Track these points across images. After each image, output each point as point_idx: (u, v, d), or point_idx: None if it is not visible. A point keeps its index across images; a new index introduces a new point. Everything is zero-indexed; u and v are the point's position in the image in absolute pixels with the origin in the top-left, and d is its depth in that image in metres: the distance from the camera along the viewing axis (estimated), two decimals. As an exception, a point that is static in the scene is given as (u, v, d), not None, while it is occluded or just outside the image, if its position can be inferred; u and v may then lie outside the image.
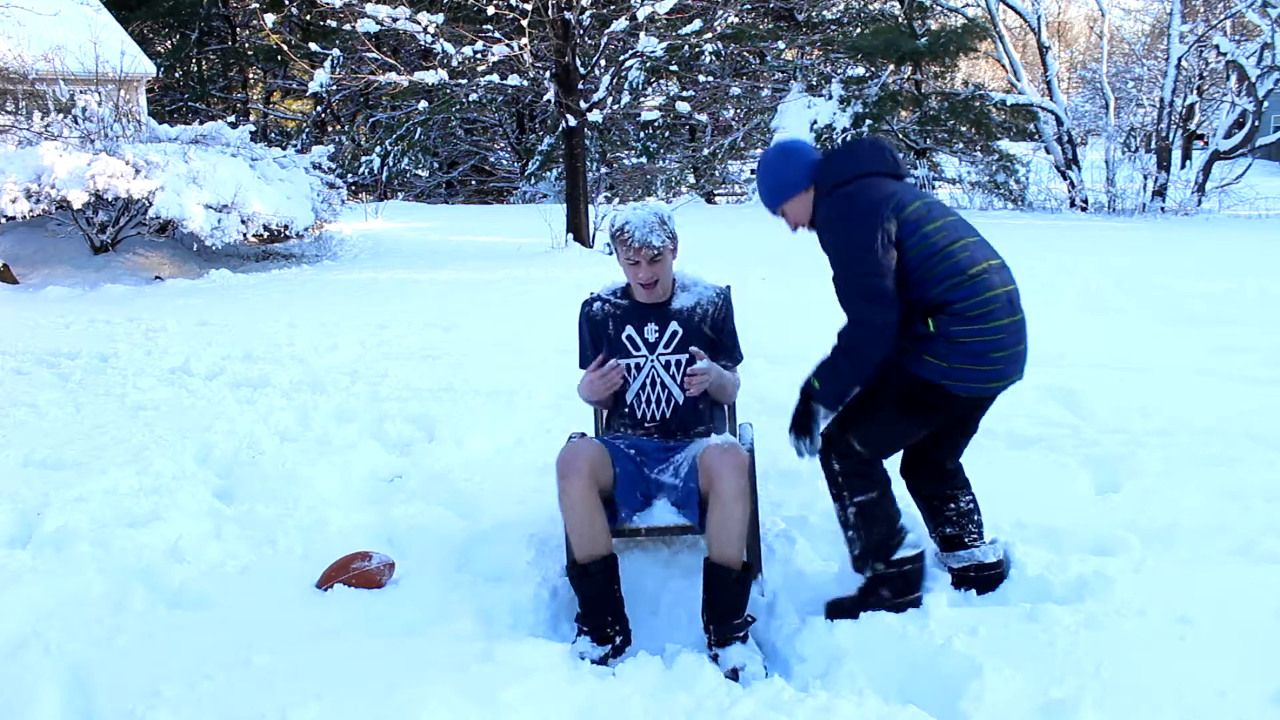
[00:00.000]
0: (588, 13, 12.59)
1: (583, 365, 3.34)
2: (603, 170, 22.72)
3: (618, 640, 2.88)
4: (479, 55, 12.29)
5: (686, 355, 3.18)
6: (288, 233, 11.98)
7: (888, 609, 2.83)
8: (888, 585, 2.88)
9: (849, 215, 2.77)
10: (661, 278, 3.19)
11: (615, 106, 15.45)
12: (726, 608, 2.84)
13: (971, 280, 2.72)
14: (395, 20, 11.74)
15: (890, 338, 2.75)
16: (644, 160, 24.02)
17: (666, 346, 3.22)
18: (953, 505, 3.08)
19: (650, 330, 3.23)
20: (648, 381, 3.23)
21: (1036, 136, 21.81)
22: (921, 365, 2.75)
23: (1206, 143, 22.23)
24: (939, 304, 2.72)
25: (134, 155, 10.22)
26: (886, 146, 2.96)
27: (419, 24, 11.76)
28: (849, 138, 21.04)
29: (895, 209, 2.75)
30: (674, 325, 3.23)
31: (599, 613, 2.89)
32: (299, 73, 25.16)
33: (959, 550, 3.05)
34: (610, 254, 3.55)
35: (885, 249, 2.71)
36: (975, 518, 3.10)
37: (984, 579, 3.03)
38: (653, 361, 3.23)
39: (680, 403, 3.22)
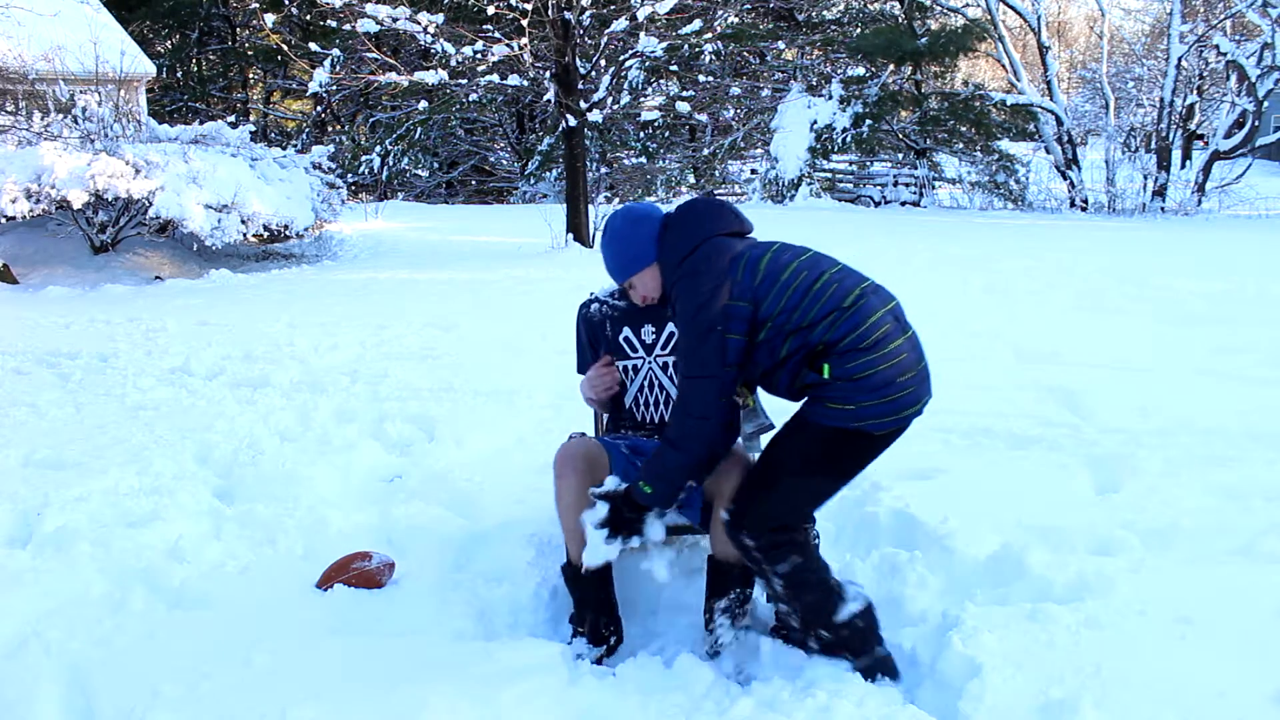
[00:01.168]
0: (588, 13, 12.58)
1: (581, 370, 3.34)
2: (603, 170, 22.73)
3: (611, 640, 2.88)
4: (479, 55, 12.29)
5: None
6: (288, 233, 11.98)
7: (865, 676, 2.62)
8: (843, 650, 2.65)
9: (694, 290, 2.56)
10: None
11: (615, 106, 15.46)
12: (731, 603, 2.85)
13: (852, 310, 2.51)
14: (395, 20, 11.73)
15: (723, 424, 2.56)
16: (644, 160, 24.03)
17: (664, 348, 3.22)
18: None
19: (647, 332, 3.23)
20: (645, 383, 3.22)
21: (1036, 136, 21.83)
22: (827, 415, 2.51)
23: (1206, 143, 22.24)
24: (825, 346, 2.51)
25: (134, 155, 10.21)
26: (726, 205, 2.78)
27: (419, 24, 11.76)
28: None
29: (747, 267, 2.55)
30: (671, 326, 3.23)
31: (593, 613, 2.89)
32: (299, 73, 25.17)
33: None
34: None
35: (729, 330, 2.51)
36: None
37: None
38: (650, 363, 3.22)
39: None
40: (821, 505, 2.75)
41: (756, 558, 2.63)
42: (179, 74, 28.18)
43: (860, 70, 22.25)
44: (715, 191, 24.93)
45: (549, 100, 12.93)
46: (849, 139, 21.54)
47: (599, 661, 2.82)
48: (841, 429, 2.51)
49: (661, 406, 3.22)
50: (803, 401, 2.60)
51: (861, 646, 2.65)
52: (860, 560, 3.28)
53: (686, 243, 2.65)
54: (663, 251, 2.71)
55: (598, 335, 3.28)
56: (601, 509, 2.69)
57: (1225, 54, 19.90)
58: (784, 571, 2.62)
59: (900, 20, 22.92)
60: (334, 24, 13.21)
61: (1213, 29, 20.36)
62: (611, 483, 2.73)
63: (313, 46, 14.21)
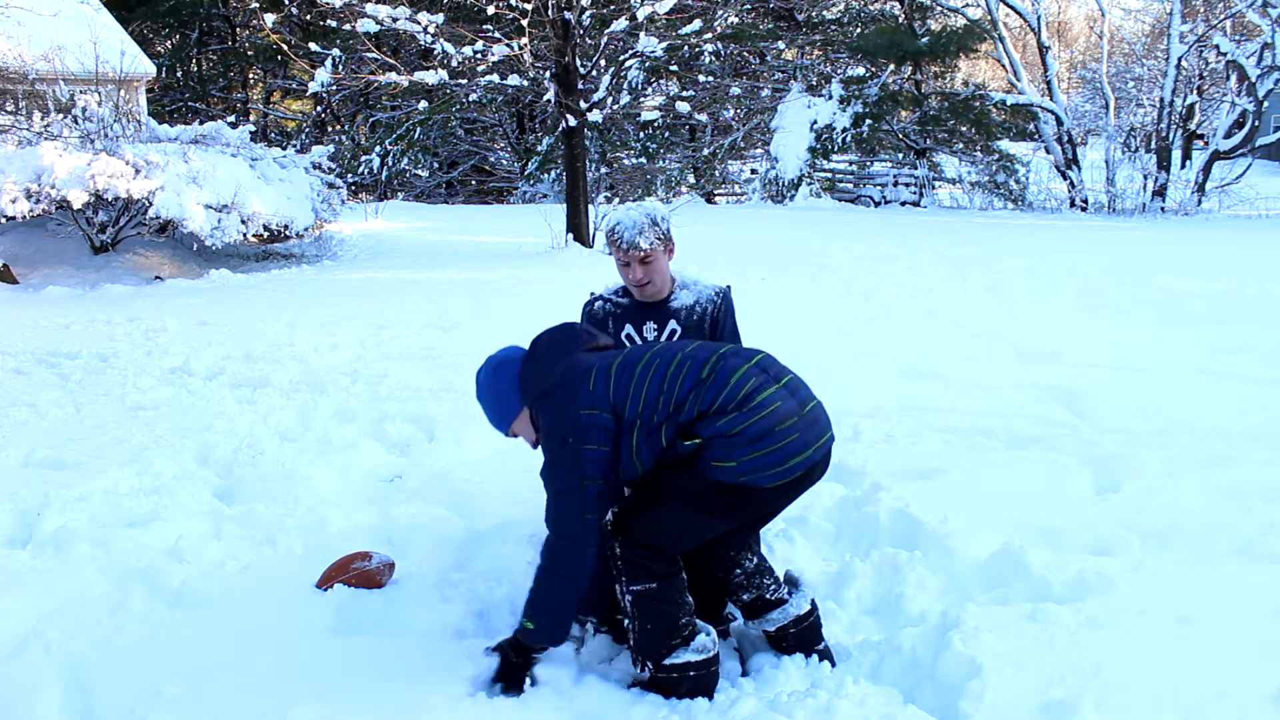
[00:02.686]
0: (588, 13, 12.58)
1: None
2: (603, 170, 22.72)
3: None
4: (479, 55, 12.28)
5: None
6: (288, 233, 11.97)
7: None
8: (666, 690, 2.57)
9: (552, 412, 2.56)
10: (654, 278, 3.17)
11: (615, 106, 15.45)
12: (704, 604, 2.85)
13: (711, 378, 2.47)
14: (395, 20, 11.73)
15: (589, 539, 2.51)
16: (644, 160, 24.02)
17: None
18: (738, 570, 2.77)
19: (649, 329, 3.24)
20: None
21: (1036, 136, 21.84)
22: (711, 470, 2.45)
23: (1206, 143, 22.25)
24: (694, 418, 2.47)
25: (134, 155, 10.21)
26: (574, 327, 2.74)
27: (419, 24, 11.76)
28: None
29: (598, 378, 2.53)
30: (672, 324, 3.24)
31: (605, 608, 2.90)
32: (299, 73, 25.17)
33: (769, 613, 2.75)
34: (609, 254, 3.54)
35: (584, 442, 2.49)
36: (768, 571, 2.81)
37: (804, 633, 2.76)
38: None
39: None
40: (692, 545, 2.65)
41: (619, 567, 2.59)
42: (179, 74, 28.16)
43: (860, 70, 22.27)
44: (715, 192, 24.95)
45: (549, 100, 12.93)
46: (849, 139, 21.54)
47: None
48: (727, 483, 2.45)
49: None
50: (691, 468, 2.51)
51: (688, 695, 2.55)
52: (860, 560, 3.28)
53: (543, 374, 2.62)
54: (524, 393, 2.65)
55: (601, 332, 3.30)
56: (491, 662, 2.63)
57: (1225, 54, 19.91)
58: (636, 591, 2.57)
59: (900, 20, 22.92)
60: (334, 24, 13.21)
61: (1213, 29, 20.37)
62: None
63: (313, 46, 14.20)
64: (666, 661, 2.57)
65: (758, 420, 2.42)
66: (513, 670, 2.61)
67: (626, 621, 2.63)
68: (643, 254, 3.10)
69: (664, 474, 2.55)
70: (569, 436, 2.51)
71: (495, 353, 2.78)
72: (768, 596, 2.76)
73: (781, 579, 2.83)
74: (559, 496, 2.54)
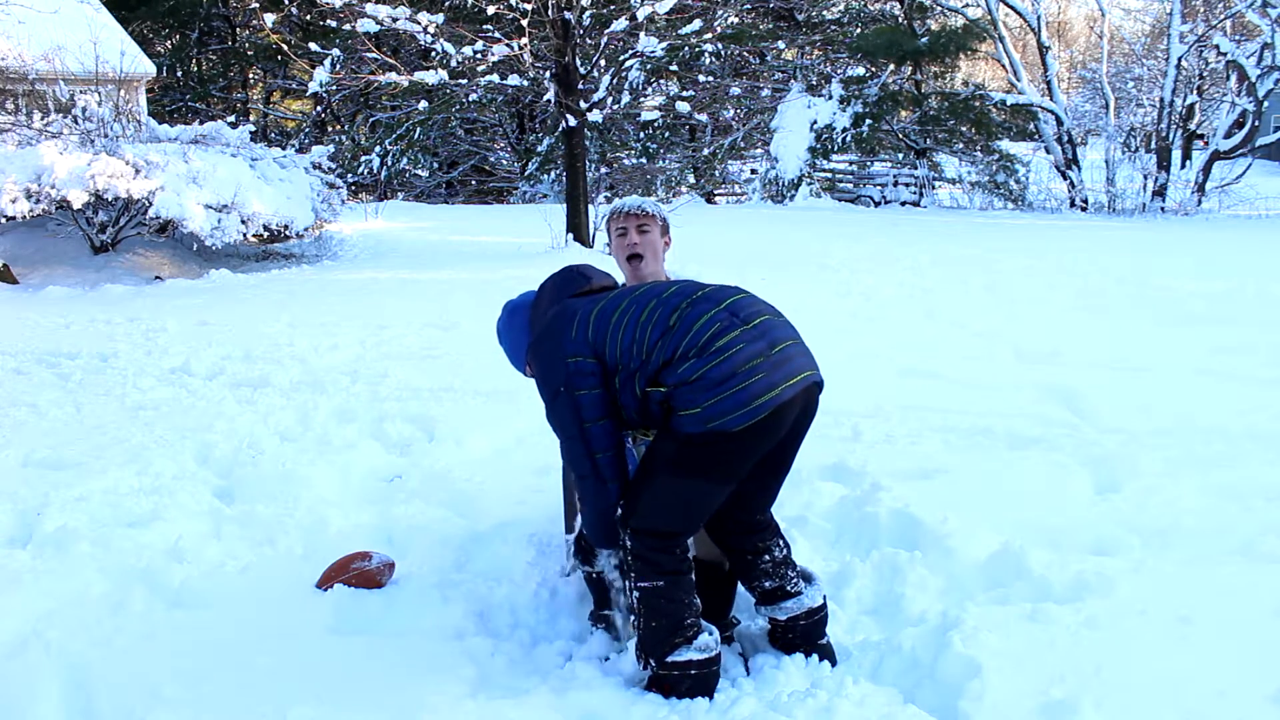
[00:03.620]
0: (588, 13, 12.58)
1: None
2: (603, 170, 22.72)
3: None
4: (479, 55, 12.28)
5: None
6: (288, 233, 11.97)
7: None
8: (666, 688, 2.57)
9: (542, 360, 2.63)
10: (648, 253, 3.15)
11: (615, 106, 15.46)
12: (710, 606, 2.84)
13: (676, 326, 2.48)
14: (395, 20, 11.72)
15: (604, 476, 2.58)
16: (644, 160, 24.02)
17: None
18: (767, 557, 2.78)
19: None
20: None
21: (1036, 136, 21.84)
22: (681, 423, 2.43)
23: (1206, 143, 22.26)
24: (660, 366, 2.47)
25: (134, 155, 10.21)
26: (573, 269, 2.81)
27: (419, 24, 11.76)
28: (845, 135, 21.01)
29: (580, 324, 2.57)
30: None
31: (613, 611, 2.89)
32: (299, 73, 25.17)
33: (784, 601, 2.76)
34: (609, 253, 3.54)
35: (573, 388, 2.53)
36: (792, 563, 2.83)
37: (813, 626, 2.77)
38: None
39: None
40: (698, 515, 2.61)
41: (627, 561, 2.60)
42: (179, 74, 28.15)
43: (860, 70, 22.27)
44: (715, 192, 24.96)
45: (549, 100, 12.92)
46: (849, 139, 21.54)
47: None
48: (697, 434, 2.42)
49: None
50: (663, 427, 2.54)
51: (688, 693, 2.55)
52: (860, 560, 3.28)
53: (539, 320, 2.73)
54: (532, 334, 2.76)
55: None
56: (551, 560, 2.80)
57: (1225, 54, 19.90)
58: (644, 588, 2.57)
59: (900, 20, 22.92)
60: (334, 24, 13.20)
61: (1213, 29, 20.36)
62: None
63: (313, 46, 14.20)
64: (669, 659, 2.56)
65: (719, 363, 2.40)
66: (583, 549, 2.83)
67: (632, 618, 2.63)
68: (640, 219, 3.11)
69: (649, 448, 2.58)
70: (560, 385, 2.57)
71: (513, 298, 2.92)
72: (788, 588, 2.77)
73: (800, 572, 2.84)
74: (567, 442, 2.61)
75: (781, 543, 2.82)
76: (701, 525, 2.67)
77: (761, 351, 2.43)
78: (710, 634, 2.61)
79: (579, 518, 3.08)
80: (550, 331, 2.62)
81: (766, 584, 2.78)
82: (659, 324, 2.50)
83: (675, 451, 2.48)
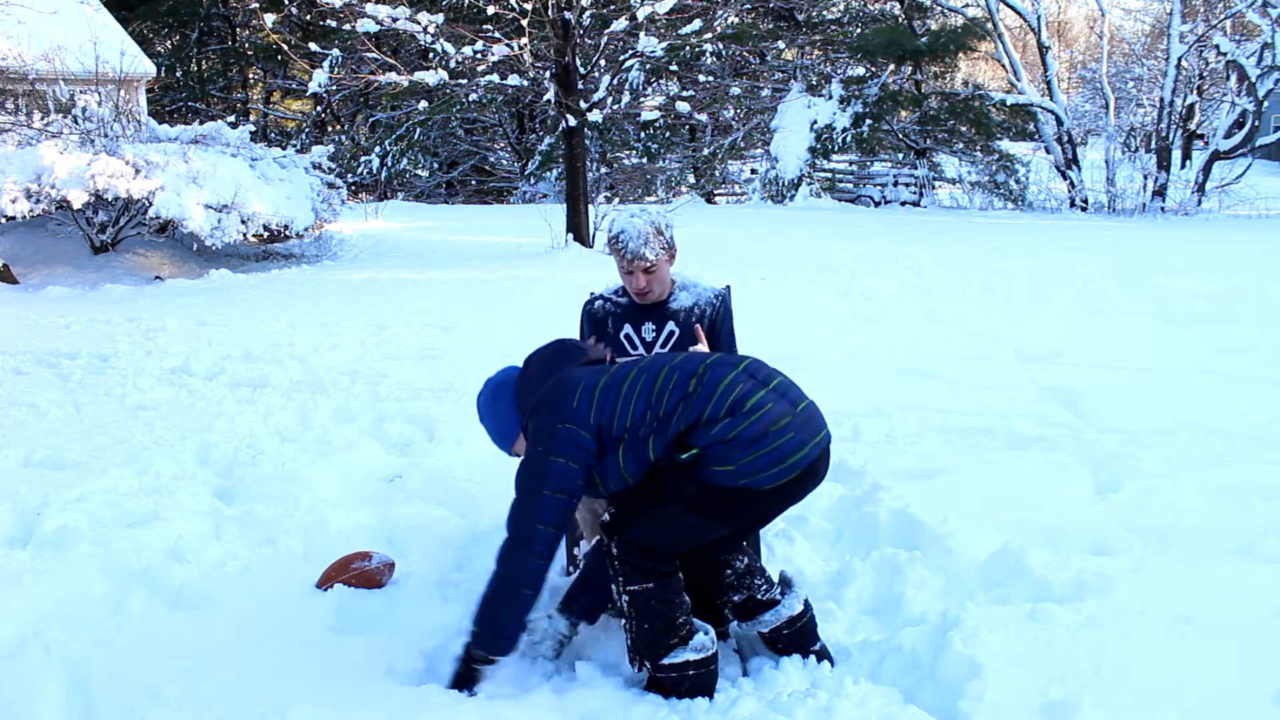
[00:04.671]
0: (588, 13, 12.58)
1: None
2: (603, 170, 22.72)
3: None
4: (479, 55, 12.28)
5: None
6: (288, 233, 11.97)
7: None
8: (666, 689, 2.57)
9: (538, 419, 2.57)
10: (656, 286, 3.19)
11: (615, 106, 15.45)
12: (701, 603, 2.84)
13: (697, 391, 2.49)
14: (395, 20, 11.72)
15: (537, 551, 2.46)
16: (644, 160, 24.02)
17: (663, 346, 3.23)
18: (729, 571, 2.75)
19: (647, 330, 3.25)
20: None
21: (1036, 136, 21.84)
22: (711, 475, 2.44)
23: (1206, 143, 22.25)
24: (684, 430, 2.47)
25: (134, 155, 10.21)
26: (564, 344, 2.78)
27: (419, 24, 11.75)
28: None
29: (583, 395, 2.55)
30: (671, 325, 3.24)
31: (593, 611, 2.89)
32: (299, 73, 25.17)
33: (761, 614, 2.74)
34: (609, 254, 3.54)
35: (558, 450, 2.48)
36: (758, 571, 2.78)
37: (798, 634, 2.74)
38: None
39: None
40: (688, 547, 2.63)
41: (615, 568, 2.60)
42: (179, 74, 28.15)
43: (860, 70, 22.26)
44: (715, 192, 24.95)
45: (549, 100, 12.92)
46: (849, 139, 21.54)
47: None
48: (728, 487, 2.44)
49: None
50: (687, 476, 2.50)
51: (687, 694, 2.56)
52: (860, 560, 3.28)
53: (530, 391, 2.67)
54: (521, 413, 2.69)
55: (600, 331, 3.31)
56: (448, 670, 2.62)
57: (1225, 54, 19.90)
58: (633, 591, 2.57)
59: (900, 20, 22.92)
60: (334, 24, 13.19)
61: (1213, 29, 20.36)
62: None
63: (313, 46, 14.18)
64: (665, 661, 2.56)
65: (752, 423, 2.43)
66: (461, 677, 2.59)
67: (623, 621, 2.63)
68: (647, 264, 3.10)
69: (664, 477, 2.54)
70: (540, 445, 2.52)
71: (493, 375, 2.81)
72: (759, 597, 2.74)
73: (776, 579, 2.82)
74: (519, 499, 2.54)
75: (741, 556, 2.78)
76: (684, 550, 2.66)
77: (787, 410, 2.48)
78: (705, 633, 2.61)
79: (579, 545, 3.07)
80: (551, 397, 2.58)
81: (735, 597, 2.76)
82: (677, 389, 2.51)
83: (698, 494, 2.49)
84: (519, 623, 2.53)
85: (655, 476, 2.56)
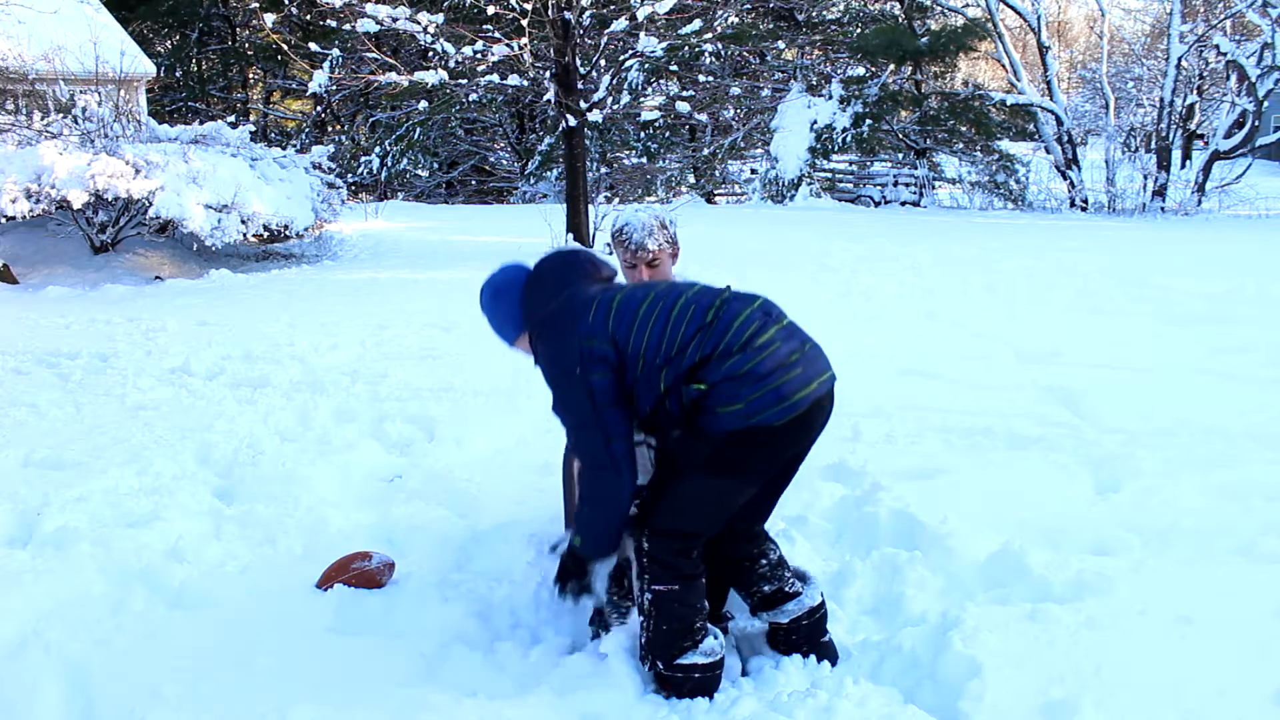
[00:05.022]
0: (588, 13, 12.57)
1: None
2: (603, 170, 22.72)
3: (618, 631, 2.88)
4: (479, 55, 12.28)
5: None
6: (288, 233, 11.96)
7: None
8: (669, 688, 2.58)
9: (552, 342, 2.58)
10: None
11: (615, 106, 15.45)
12: (714, 603, 2.84)
13: (714, 323, 2.47)
14: (395, 20, 11.72)
15: (619, 463, 2.51)
16: (644, 160, 24.02)
17: None
18: (764, 561, 2.77)
19: None
20: None
21: (1036, 136, 21.83)
22: (719, 420, 2.43)
23: (1206, 143, 22.25)
24: (697, 363, 2.46)
25: (134, 155, 10.20)
26: (580, 255, 2.75)
27: (419, 24, 11.75)
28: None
29: (599, 309, 2.54)
30: None
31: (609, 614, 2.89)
32: (299, 73, 25.16)
33: (785, 604, 2.75)
34: (610, 254, 3.53)
35: (588, 371, 2.50)
36: (786, 564, 2.81)
37: (814, 626, 2.77)
38: None
39: None
40: (728, 513, 2.61)
41: (643, 563, 2.59)
42: (179, 74, 28.15)
43: (860, 70, 22.26)
44: (715, 192, 24.95)
45: (549, 100, 12.92)
46: (849, 139, 21.54)
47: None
48: (738, 430, 2.43)
49: None
50: (694, 424, 2.51)
51: (682, 695, 2.57)
52: (860, 560, 3.28)
53: (544, 302, 2.65)
54: (526, 318, 2.70)
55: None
56: (552, 563, 2.71)
57: (1225, 54, 19.90)
58: (658, 591, 2.57)
59: (900, 20, 22.92)
60: (334, 24, 13.19)
61: (1213, 29, 20.36)
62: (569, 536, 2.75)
63: (313, 46, 14.18)
64: (677, 662, 2.57)
65: (763, 359, 2.43)
66: (570, 573, 2.72)
67: (641, 619, 2.63)
68: (650, 256, 3.10)
69: (675, 449, 2.55)
70: (573, 367, 2.51)
71: (495, 273, 2.80)
72: (787, 589, 2.77)
73: (794, 573, 2.84)
74: (578, 430, 2.56)
75: (773, 546, 2.81)
76: (721, 526, 2.65)
77: (796, 348, 2.49)
78: (715, 638, 2.62)
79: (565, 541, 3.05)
80: (562, 313, 2.57)
81: (765, 588, 2.77)
82: (694, 319, 2.49)
83: (710, 452, 2.48)
84: (620, 529, 2.59)
85: (667, 452, 2.58)
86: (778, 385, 2.43)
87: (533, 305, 2.67)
